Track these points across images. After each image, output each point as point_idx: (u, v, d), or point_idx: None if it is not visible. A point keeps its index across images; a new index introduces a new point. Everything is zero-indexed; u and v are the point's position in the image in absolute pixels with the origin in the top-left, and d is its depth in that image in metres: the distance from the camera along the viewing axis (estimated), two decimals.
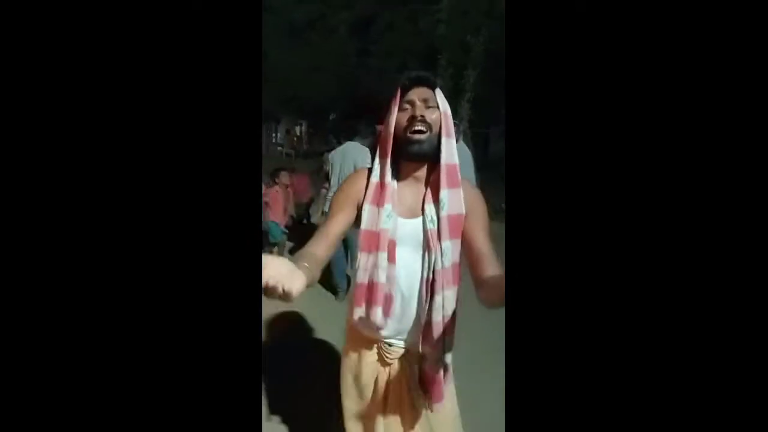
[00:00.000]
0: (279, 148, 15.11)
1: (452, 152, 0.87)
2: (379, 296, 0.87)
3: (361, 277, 0.88)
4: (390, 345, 0.94)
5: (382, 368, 0.97)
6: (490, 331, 2.47)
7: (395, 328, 0.92)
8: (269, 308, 2.34)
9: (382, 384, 0.97)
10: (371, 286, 0.87)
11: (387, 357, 0.94)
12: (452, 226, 0.87)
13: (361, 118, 3.07)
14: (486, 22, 6.52)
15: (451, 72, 6.91)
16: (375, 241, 0.87)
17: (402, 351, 0.95)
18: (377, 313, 0.87)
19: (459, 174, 0.88)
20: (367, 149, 2.74)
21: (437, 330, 0.85)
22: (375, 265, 0.87)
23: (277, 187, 3.69)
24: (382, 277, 0.87)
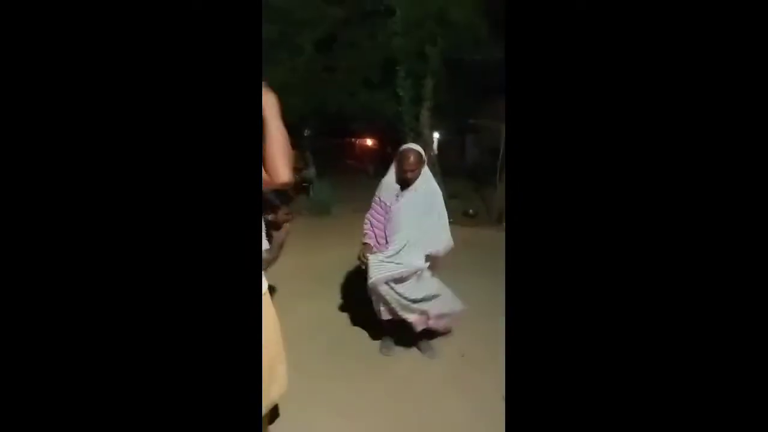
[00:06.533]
0: None
1: None
2: None
3: None
4: None
5: None
6: (490, 330, 2.41)
7: None
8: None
9: None
10: None
11: None
12: None
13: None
14: (441, 31, 6.91)
15: (410, 82, 7.31)
16: None
17: None
18: None
19: None
20: None
21: None
22: None
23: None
24: None
